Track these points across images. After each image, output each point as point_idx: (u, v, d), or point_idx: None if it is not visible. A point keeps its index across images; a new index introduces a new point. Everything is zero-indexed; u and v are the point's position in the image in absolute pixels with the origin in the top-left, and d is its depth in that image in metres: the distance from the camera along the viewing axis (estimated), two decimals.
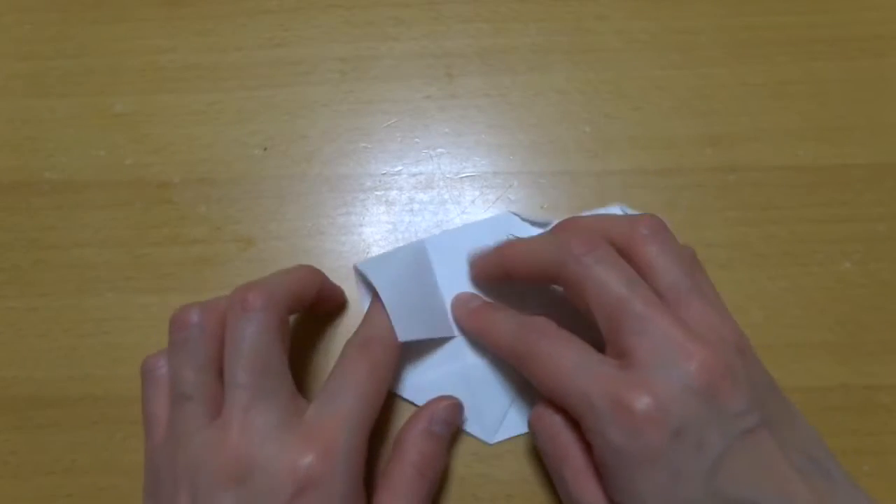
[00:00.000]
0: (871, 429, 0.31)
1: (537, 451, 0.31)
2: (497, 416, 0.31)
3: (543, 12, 0.38)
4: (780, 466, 0.23)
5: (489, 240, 0.32)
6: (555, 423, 0.27)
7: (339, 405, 0.26)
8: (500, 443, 0.31)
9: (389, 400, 0.31)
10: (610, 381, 0.24)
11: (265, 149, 0.36)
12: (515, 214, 0.33)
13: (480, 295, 0.32)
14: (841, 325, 0.33)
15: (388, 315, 0.29)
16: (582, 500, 0.26)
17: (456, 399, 0.30)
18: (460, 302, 0.32)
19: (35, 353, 0.33)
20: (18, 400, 0.32)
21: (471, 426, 0.31)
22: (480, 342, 0.31)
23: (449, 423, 0.29)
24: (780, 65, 0.37)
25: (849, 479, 0.25)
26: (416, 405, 0.31)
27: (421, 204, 0.34)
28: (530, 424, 0.28)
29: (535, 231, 0.33)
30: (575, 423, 0.26)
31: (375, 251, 0.34)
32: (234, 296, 0.26)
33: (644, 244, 0.27)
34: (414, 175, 0.35)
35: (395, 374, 0.30)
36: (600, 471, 0.25)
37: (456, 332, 0.31)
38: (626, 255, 0.27)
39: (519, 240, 0.30)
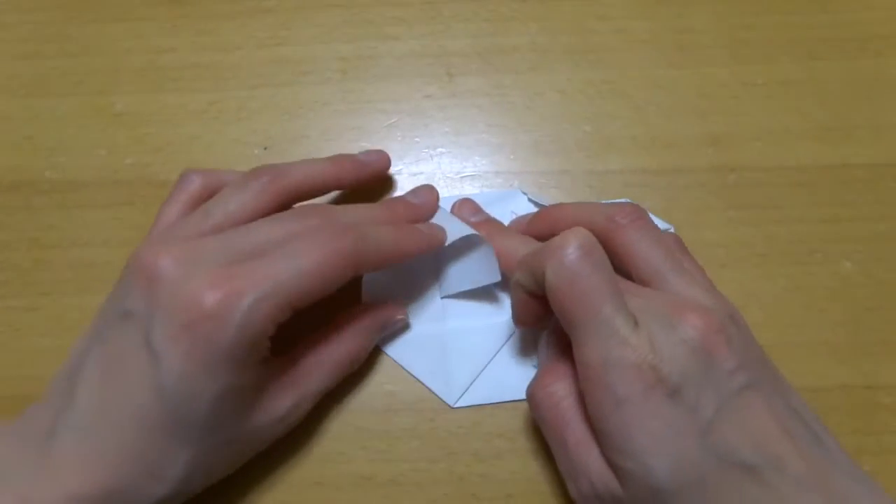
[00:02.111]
0: (871, 429, 0.31)
1: (538, 437, 0.31)
2: (463, 382, 0.32)
3: (543, 12, 0.38)
4: (770, 427, 0.24)
5: (493, 210, 0.33)
6: (555, 392, 0.27)
7: (276, 265, 0.25)
8: (499, 443, 0.31)
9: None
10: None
11: (265, 148, 0.36)
12: (524, 193, 0.34)
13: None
14: (841, 325, 0.33)
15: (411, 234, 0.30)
16: (585, 465, 0.26)
17: (406, 318, 0.32)
18: (463, 213, 0.32)
19: (35, 353, 0.33)
20: (18, 400, 0.32)
21: (436, 385, 0.32)
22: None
23: (393, 332, 0.32)
24: (780, 65, 0.37)
25: (839, 447, 0.25)
26: (388, 355, 0.32)
27: None
28: (529, 395, 0.28)
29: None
30: (574, 395, 0.27)
31: None
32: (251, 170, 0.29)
33: (623, 232, 0.28)
34: (414, 175, 0.35)
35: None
36: (599, 429, 0.25)
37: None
38: (605, 244, 0.28)
39: (506, 236, 0.31)
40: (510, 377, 0.31)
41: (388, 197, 0.35)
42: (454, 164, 0.35)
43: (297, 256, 0.26)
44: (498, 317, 0.32)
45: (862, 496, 0.23)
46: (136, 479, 0.25)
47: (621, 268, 0.28)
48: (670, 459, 0.24)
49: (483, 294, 0.32)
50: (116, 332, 0.26)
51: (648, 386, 0.24)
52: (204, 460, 0.26)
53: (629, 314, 0.25)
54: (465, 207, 0.33)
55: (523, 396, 0.29)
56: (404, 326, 0.32)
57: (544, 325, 0.28)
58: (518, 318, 0.28)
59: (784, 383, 0.26)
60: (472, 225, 0.31)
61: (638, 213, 0.28)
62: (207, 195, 0.29)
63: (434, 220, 0.32)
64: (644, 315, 0.25)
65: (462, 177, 0.35)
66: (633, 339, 0.24)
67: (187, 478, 0.26)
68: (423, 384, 0.32)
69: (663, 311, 0.25)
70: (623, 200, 0.34)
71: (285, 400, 0.28)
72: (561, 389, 0.27)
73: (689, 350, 0.24)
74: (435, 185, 0.35)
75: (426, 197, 0.32)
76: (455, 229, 0.31)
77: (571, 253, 0.24)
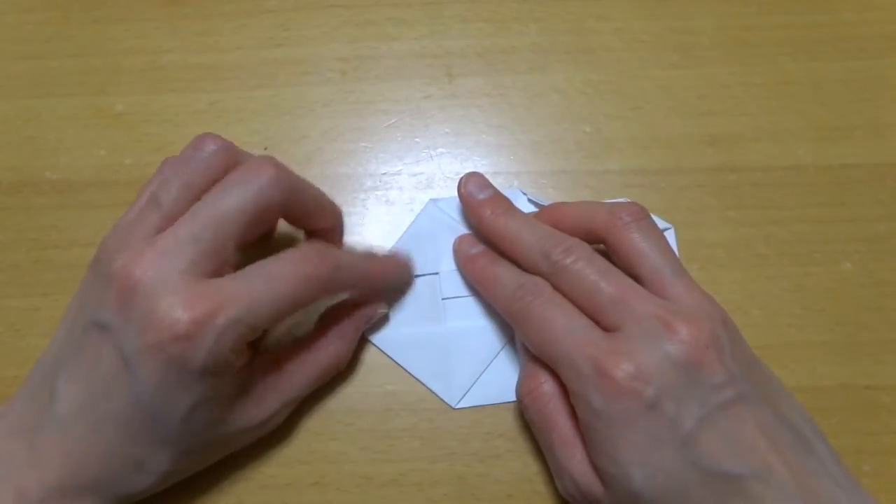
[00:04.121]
0: (871, 429, 0.31)
1: (534, 439, 0.31)
2: (465, 383, 0.32)
3: (543, 12, 0.38)
4: (757, 440, 0.24)
5: None
6: (542, 394, 0.28)
7: (250, 286, 0.25)
8: (499, 443, 0.31)
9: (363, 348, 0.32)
10: (595, 347, 0.25)
11: (266, 148, 0.36)
12: (524, 193, 0.34)
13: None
14: (841, 325, 0.33)
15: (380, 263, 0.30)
16: (569, 466, 0.27)
17: (387, 309, 0.32)
18: (462, 246, 0.32)
19: (36, 353, 0.32)
20: None
21: (437, 386, 0.32)
22: (477, 290, 0.32)
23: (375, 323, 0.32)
24: (780, 65, 0.37)
25: (832, 456, 0.25)
26: (390, 357, 0.32)
27: (421, 204, 0.34)
28: (519, 397, 0.29)
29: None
30: (561, 394, 0.27)
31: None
32: (255, 159, 0.27)
33: (626, 231, 0.28)
34: (414, 175, 0.35)
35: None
36: (584, 433, 0.26)
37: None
38: (608, 242, 0.28)
39: (512, 216, 0.30)
40: (511, 378, 0.31)
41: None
42: (454, 164, 0.35)
43: (272, 279, 0.25)
44: (499, 317, 0.32)
45: None
46: (121, 472, 0.26)
47: (621, 266, 0.28)
48: (649, 469, 0.24)
49: None
50: (91, 340, 0.26)
51: (624, 399, 0.24)
52: (186, 456, 0.27)
53: (595, 329, 0.26)
54: (473, 182, 0.32)
55: None
56: (385, 318, 0.32)
57: None
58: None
59: (774, 387, 0.26)
60: (480, 202, 0.31)
61: (642, 213, 0.28)
62: None
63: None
64: (631, 323, 0.25)
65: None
66: (604, 354, 0.25)
67: (171, 470, 0.27)
68: (423, 384, 0.32)
69: (653, 322, 0.25)
70: (623, 200, 0.34)
71: (268, 405, 0.28)
72: (548, 390, 0.28)
73: (671, 364, 0.24)
74: (435, 185, 0.35)
75: (403, 264, 0.32)
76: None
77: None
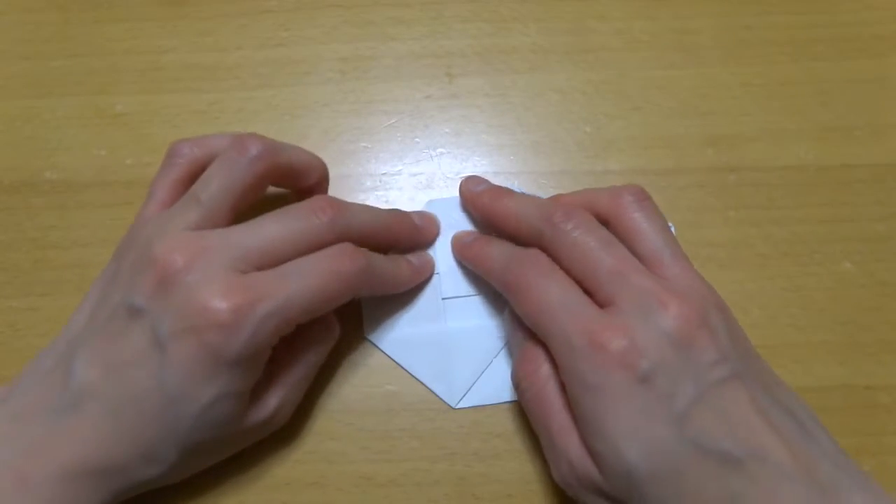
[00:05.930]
0: (871, 429, 0.31)
1: (537, 437, 0.31)
2: (465, 383, 0.32)
3: (543, 12, 0.38)
4: (753, 418, 0.24)
5: None
6: (540, 377, 0.27)
7: (286, 281, 0.26)
8: (499, 443, 0.31)
9: (363, 350, 0.32)
10: (589, 320, 0.25)
11: None
12: (522, 191, 0.34)
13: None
14: (841, 325, 0.33)
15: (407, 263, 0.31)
16: (567, 450, 0.26)
17: None
18: (459, 238, 0.32)
19: (35, 353, 0.33)
20: None
21: (437, 386, 0.32)
22: (475, 271, 0.32)
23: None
24: (780, 65, 0.37)
25: (831, 441, 0.25)
26: (390, 357, 0.32)
27: (421, 204, 0.34)
28: (515, 381, 0.29)
29: None
30: (558, 377, 0.27)
31: None
32: (236, 137, 0.28)
33: (629, 211, 0.28)
34: (414, 175, 0.35)
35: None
36: (574, 411, 0.26)
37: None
38: (610, 222, 0.28)
39: (511, 197, 0.30)
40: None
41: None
42: (454, 164, 0.35)
43: (307, 274, 0.26)
44: (498, 317, 0.32)
45: (850, 486, 0.23)
46: (130, 459, 0.26)
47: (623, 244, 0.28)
48: (642, 444, 0.24)
49: (484, 294, 0.32)
50: (118, 322, 0.26)
51: (617, 372, 0.24)
52: (194, 451, 0.27)
53: (589, 303, 0.26)
54: (472, 180, 0.32)
55: None
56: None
57: None
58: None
59: (772, 377, 0.26)
60: (479, 192, 0.31)
61: (644, 194, 0.28)
62: (198, 166, 0.29)
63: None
64: (625, 297, 0.25)
65: (462, 177, 0.35)
66: (599, 328, 0.24)
67: (178, 463, 0.27)
68: (423, 385, 0.32)
69: (648, 298, 0.25)
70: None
71: (271, 400, 0.28)
72: (545, 373, 0.27)
73: (665, 339, 0.24)
74: (435, 185, 0.35)
75: (429, 225, 0.33)
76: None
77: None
